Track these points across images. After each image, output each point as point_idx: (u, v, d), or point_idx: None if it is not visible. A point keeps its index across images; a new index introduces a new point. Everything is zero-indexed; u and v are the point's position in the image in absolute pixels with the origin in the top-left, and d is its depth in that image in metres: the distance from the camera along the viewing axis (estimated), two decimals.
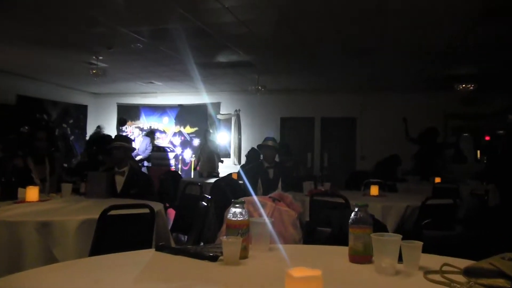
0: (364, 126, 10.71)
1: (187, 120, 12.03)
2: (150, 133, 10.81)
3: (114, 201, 3.35)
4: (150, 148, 10.06)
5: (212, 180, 6.71)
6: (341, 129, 11.13)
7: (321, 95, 10.94)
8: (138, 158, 9.53)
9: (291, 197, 2.75)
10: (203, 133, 10.13)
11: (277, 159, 5.98)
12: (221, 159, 10.00)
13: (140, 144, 9.96)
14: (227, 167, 10.78)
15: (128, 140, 4.61)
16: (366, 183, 5.53)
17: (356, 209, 1.72)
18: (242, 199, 1.95)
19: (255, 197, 2.65)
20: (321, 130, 11.23)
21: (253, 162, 6.25)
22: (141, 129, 12.08)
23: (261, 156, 5.53)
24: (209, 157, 9.59)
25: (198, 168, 9.63)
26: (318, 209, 3.80)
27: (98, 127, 10.84)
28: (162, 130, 12.27)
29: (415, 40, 6.23)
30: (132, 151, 4.72)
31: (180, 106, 12.09)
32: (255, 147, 6.03)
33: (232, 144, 11.70)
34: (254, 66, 8.25)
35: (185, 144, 11.95)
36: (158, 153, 11.29)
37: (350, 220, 1.70)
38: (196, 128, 11.47)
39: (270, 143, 5.32)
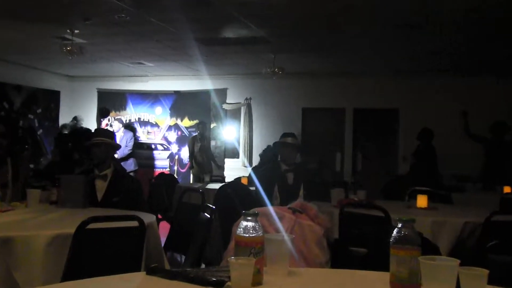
0: (408, 120, 10.79)
1: (185, 110, 12.28)
2: (129, 126, 11.14)
3: (94, 212, 3.37)
4: (131, 144, 10.36)
5: (217, 185, 6.84)
6: (379, 123, 11.28)
7: (354, 80, 11.08)
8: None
9: (316, 208, 2.78)
10: (198, 127, 10.39)
11: (298, 160, 6.08)
12: (218, 164, 10.45)
13: (119, 140, 9.97)
14: (235, 170, 10.99)
15: (111, 135, 4.69)
16: (412, 192, 5.53)
17: (399, 225, 1.73)
18: (255, 210, 1.97)
19: (270, 208, 2.69)
20: (354, 125, 11.38)
21: (268, 164, 6.36)
22: (130, 122, 12.38)
23: (278, 156, 5.64)
24: (204, 159, 9.98)
25: (185, 169, 10.10)
26: (350, 224, 3.86)
27: (74, 118, 11.01)
28: (154, 122, 12.55)
29: (483, 6, 6.06)
30: (116, 148, 4.82)
31: (177, 93, 12.32)
32: (271, 145, 6.16)
33: (241, 140, 11.92)
34: (269, 42, 8.35)
35: (182, 140, 12.14)
36: (147, 152, 11.73)
37: (392, 239, 1.71)
38: (196, 121, 11.52)
39: (289, 140, 5.42)
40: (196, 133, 10.30)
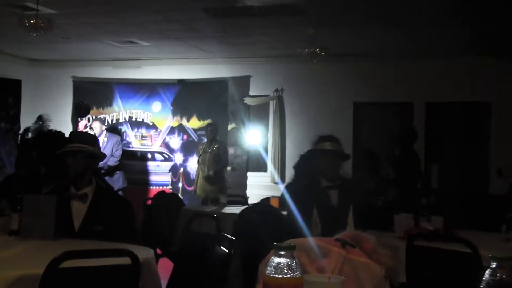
0: (504, 118, 10.74)
1: (193, 107, 12.33)
2: (115, 129, 11.52)
3: (70, 245, 3.41)
4: (119, 153, 10.49)
5: (237, 209, 6.96)
6: (462, 122, 11.19)
7: (425, 63, 11.06)
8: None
9: (373, 241, 2.75)
10: (207, 129, 10.65)
11: (346, 173, 6.14)
12: (223, 187, 10.52)
13: (103, 148, 10.29)
14: (262, 188, 11.11)
15: (92, 141, 4.75)
16: (511, 219, 5.42)
17: (493, 265, 1.72)
18: (290, 242, 1.99)
19: (311, 239, 2.70)
20: (425, 125, 11.27)
21: (306, 179, 6.39)
22: (117, 123, 12.56)
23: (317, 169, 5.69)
24: (212, 174, 10.21)
25: (193, 187, 10.43)
26: (422, 262, 3.84)
27: (39, 118, 10.32)
28: (151, 123, 12.62)
29: None
30: (99, 158, 4.87)
31: (181, 83, 12.40)
32: (305, 153, 6.36)
33: (270, 147, 11.96)
34: (308, 13, 8.31)
35: (189, 147, 12.22)
36: (141, 163, 11.85)
37: (483, 285, 1.70)
38: (208, 121, 11.62)
39: (328, 145, 5.47)
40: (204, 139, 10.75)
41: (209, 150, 10.35)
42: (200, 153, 10.56)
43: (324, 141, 5.51)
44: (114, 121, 12.58)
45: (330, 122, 10.99)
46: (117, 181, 9.76)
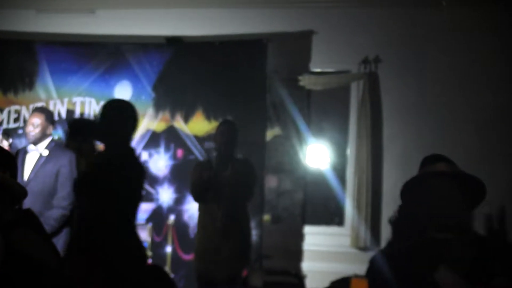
0: None
1: (196, 93, 9.18)
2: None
3: None
4: (67, 191, 7.61)
5: None
6: None
7: None
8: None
9: None
10: (220, 133, 8.12)
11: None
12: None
13: (31, 174, 7.90)
14: (332, 258, 8.89)
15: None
16: None
17: None
18: None
19: None
20: None
21: (415, 236, 4.58)
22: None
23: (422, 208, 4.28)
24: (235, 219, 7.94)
25: (191, 256, 8.43)
26: None
27: None
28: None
29: None
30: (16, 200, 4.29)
31: (174, 43, 9.50)
32: (418, 183, 4.31)
33: (350, 178, 9.15)
34: None
35: (187, 174, 8.49)
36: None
37: None
38: (224, 119, 8.75)
39: (443, 166, 4.25)
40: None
41: (226, 173, 7.70)
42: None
43: (435, 162, 4.28)
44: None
45: (482, 125, 8.80)
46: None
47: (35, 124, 7.79)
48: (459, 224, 4.17)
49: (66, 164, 7.63)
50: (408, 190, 4.38)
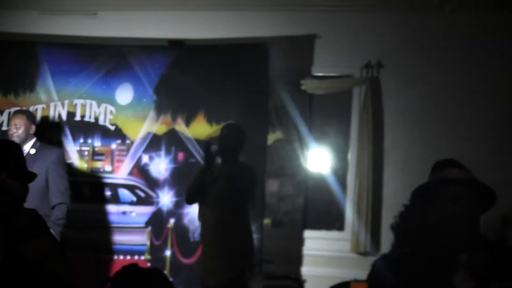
0: None
1: (198, 96, 9.16)
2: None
3: None
4: (64, 185, 7.79)
5: None
6: None
7: None
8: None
9: None
10: (225, 134, 8.30)
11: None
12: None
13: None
14: (333, 263, 8.98)
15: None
16: None
17: None
18: None
19: None
20: None
21: (424, 241, 4.58)
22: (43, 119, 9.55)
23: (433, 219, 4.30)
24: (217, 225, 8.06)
25: (194, 259, 8.53)
26: None
27: None
28: (113, 127, 9.45)
29: None
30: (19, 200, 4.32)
31: (176, 46, 9.50)
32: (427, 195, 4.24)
33: (352, 182, 9.15)
34: None
35: (187, 178, 8.55)
36: (93, 206, 9.03)
37: None
38: (227, 122, 8.65)
39: (455, 173, 4.14)
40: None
41: (227, 176, 7.77)
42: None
43: (446, 167, 4.12)
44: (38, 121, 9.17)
45: (484, 131, 8.85)
46: None
47: (17, 125, 8.01)
48: (470, 231, 4.13)
49: (55, 160, 7.83)
50: (420, 196, 4.33)
